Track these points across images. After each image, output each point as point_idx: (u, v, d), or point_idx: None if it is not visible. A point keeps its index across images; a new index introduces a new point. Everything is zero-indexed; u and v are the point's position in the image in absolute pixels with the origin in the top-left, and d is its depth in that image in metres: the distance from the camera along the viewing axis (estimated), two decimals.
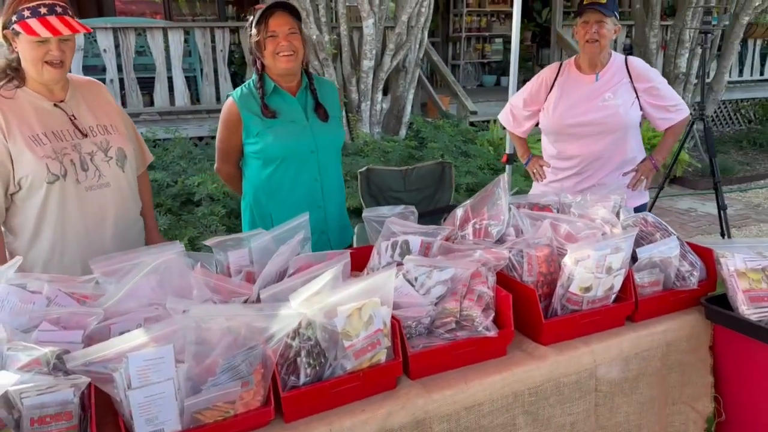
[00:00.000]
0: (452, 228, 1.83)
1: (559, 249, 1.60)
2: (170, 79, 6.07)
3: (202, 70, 6.31)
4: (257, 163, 2.23)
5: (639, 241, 1.66)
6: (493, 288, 1.49)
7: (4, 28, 1.79)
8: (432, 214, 3.39)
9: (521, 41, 11.46)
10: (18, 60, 1.84)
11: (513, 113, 2.82)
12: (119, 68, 5.86)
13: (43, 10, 1.74)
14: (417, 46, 6.01)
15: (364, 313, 1.28)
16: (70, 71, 1.93)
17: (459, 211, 1.91)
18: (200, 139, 6.03)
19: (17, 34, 1.76)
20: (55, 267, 1.79)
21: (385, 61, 5.62)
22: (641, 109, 2.52)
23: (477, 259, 1.53)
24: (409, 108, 6.10)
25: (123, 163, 1.99)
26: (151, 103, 6.15)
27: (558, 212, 1.92)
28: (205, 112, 6.35)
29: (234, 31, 6.72)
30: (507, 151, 3.55)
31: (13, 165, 1.76)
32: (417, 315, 1.45)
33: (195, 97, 6.56)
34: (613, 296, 1.59)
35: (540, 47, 11.47)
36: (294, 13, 2.15)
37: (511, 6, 10.96)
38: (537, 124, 2.78)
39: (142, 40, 6.14)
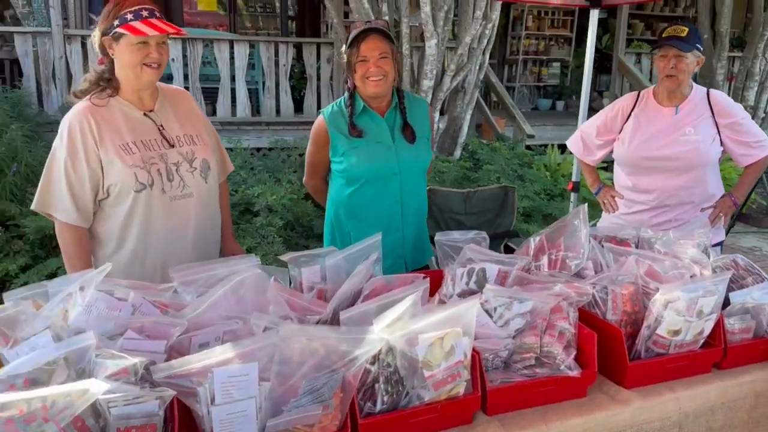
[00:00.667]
0: (528, 258, 1.78)
1: (644, 288, 1.53)
2: (233, 91, 6.21)
3: (264, 83, 6.44)
4: (341, 181, 2.25)
5: (729, 285, 1.58)
6: (575, 324, 1.43)
7: (104, 35, 1.85)
8: (493, 239, 3.32)
9: (578, 66, 11.40)
10: (111, 70, 1.90)
11: (584, 141, 2.75)
12: (185, 77, 6.03)
13: (144, 13, 1.81)
14: (477, 67, 5.99)
15: (446, 343, 1.25)
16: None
17: (533, 241, 1.86)
18: (258, 149, 6.13)
19: (117, 39, 1.81)
20: (136, 273, 1.82)
21: (444, 81, 5.61)
22: (722, 144, 2.43)
23: (557, 293, 1.47)
24: (465, 129, 6.07)
25: (206, 174, 2.01)
26: (214, 113, 6.30)
27: (637, 247, 1.85)
28: (265, 124, 6.46)
29: (296, 46, 6.85)
30: (573, 179, 3.47)
31: (103, 172, 1.81)
32: (494, 348, 1.41)
33: (256, 109, 6.69)
34: (702, 341, 1.51)
35: (599, 73, 11.27)
36: (387, 37, 2.16)
37: (571, 31, 10.96)
38: (610, 153, 2.70)
39: (209, 51, 6.31)
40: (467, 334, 1.29)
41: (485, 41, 5.66)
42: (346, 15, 7.19)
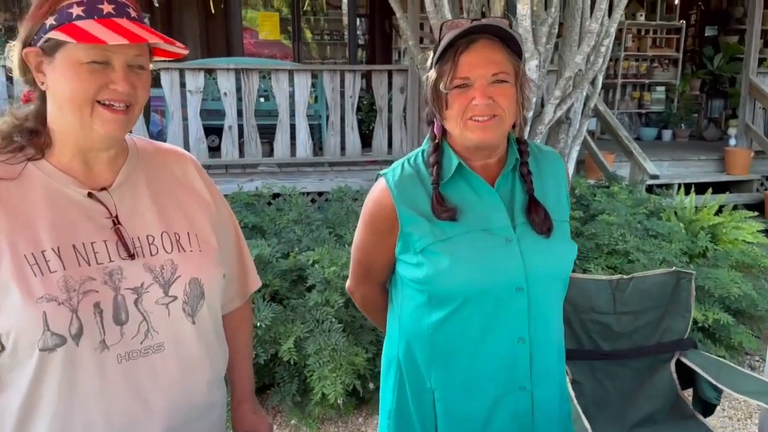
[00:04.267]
0: None
1: None
2: (292, 127, 5.36)
3: (327, 117, 5.56)
4: (418, 299, 1.25)
5: None
6: None
7: (26, 45, 0.98)
8: (656, 351, 2.19)
9: (684, 91, 9.97)
10: (39, 113, 1.01)
11: None
12: (239, 113, 5.24)
13: (105, 8, 0.96)
14: (584, 94, 4.86)
15: None
16: (147, 131, 1.05)
17: None
18: (320, 194, 5.23)
19: (52, 51, 0.95)
20: None
21: (546, 111, 4.51)
22: None
23: None
24: (572, 168, 4.92)
25: (196, 307, 1.08)
26: (271, 153, 5.47)
27: None
28: (328, 164, 5.57)
29: (365, 75, 5.96)
30: None
31: None
32: None
33: (318, 147, 5.81)
34: None
35: (710, 98, 9.82)
36: (510, 44, 1.19)
37: (677, 51, 9.59)
38: None
39: (267, 83, 5.51)
40: None
41: (600, 61, 4.54)
42: (421, 40, 6.27)
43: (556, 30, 4.52)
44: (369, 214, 1.29)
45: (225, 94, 5.18)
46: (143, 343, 1.01)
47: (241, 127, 5.27)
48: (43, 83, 0.98)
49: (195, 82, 5.07)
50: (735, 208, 6.10)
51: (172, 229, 1.09)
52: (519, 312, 1.22)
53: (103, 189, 1.04)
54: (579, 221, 4.38)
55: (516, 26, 4.26)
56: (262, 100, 5.63)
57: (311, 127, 5.58)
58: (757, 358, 3.78)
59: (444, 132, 1.27)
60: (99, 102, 0.97)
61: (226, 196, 5.10)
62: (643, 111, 9.67)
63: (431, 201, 1.22)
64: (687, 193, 5.18)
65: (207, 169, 4.66)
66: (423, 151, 1.30)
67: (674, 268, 2.20)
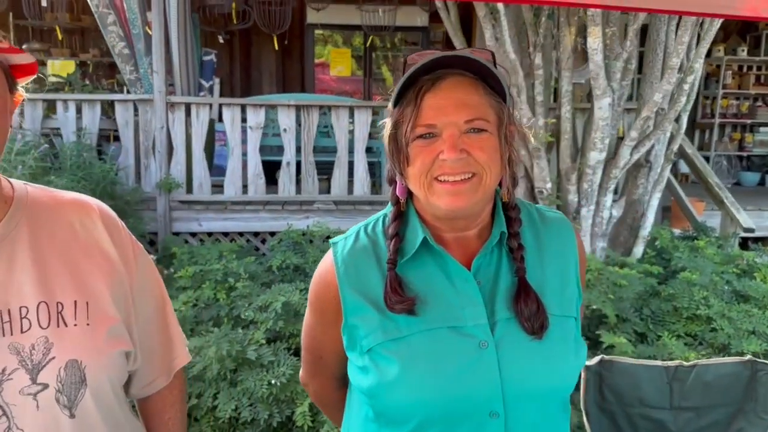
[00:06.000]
0: None
1: None
2: (351, 164, 5.22)
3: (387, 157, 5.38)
4: (366, 411, 0.99)
5: None
6: None
7: None
8: None
9: None
10: None
11: None
12: (298, 150, 5.17)
13: None
14: (667, 135, 4.39)
15: None
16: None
17: None
18: None
19: None
20: None
21: (622, 153, 4.09)
22: None
23: None
24: (651, 218, 4.42)
25: (74, 397, 0.88)
26: (328, 190, 5.34)
27: None
28: (387, 203, 5.36)
29: None
30: None
31: None
32: None
33: (378, 184, 5.64)
34: None
35: None
36: (490, 79, 0.93)
37: None
38: None
39: (327, 119, 5.42)
40: None
41: (683, 99, 4.07)
42: None
43: (634, 65, 4.12)
44: (313, 293, 1.04)
45: (285, 130, 5.13)
46: None
47: (299, 164, 5.19)
48: None
49: (255, 118, 5.06)
50: None
51: (54, 299, 0.90)
52: None
53: None
54: (657, 278, 3.88)
55: (587, 63, 3.92)
56: (321, 136, 5.54)
57: (371, 164, 5.42)
58: None
59: (410, 195, 1.01)
60: None
61: (275, 233, 4.97)
62: (745, 153, 8.81)
63: (386, 287, 0.95)
64: None
65: (264, 206, 4.51)
66: (384, 216, 1.05)
67: (749, 357, 1.77)
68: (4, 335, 0.85)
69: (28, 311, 0.88)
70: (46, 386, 0.85)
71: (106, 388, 0.93)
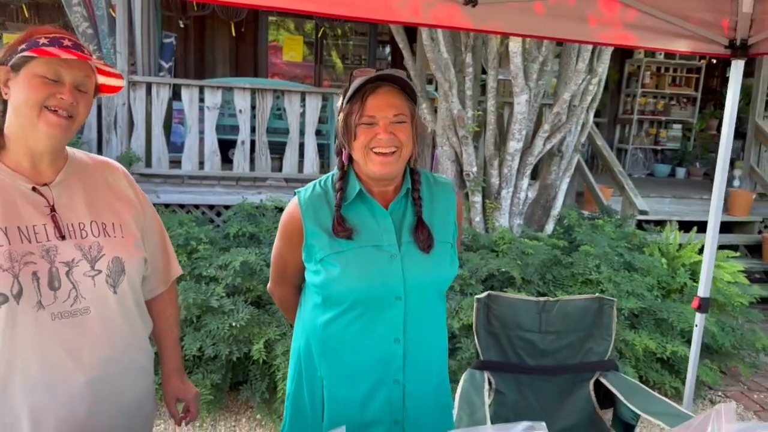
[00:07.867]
0: None
1: None
2: (301, 146, 5.69)
3: (335, 136, 5.88)
4: (315, 299, 1.51)
5: None
6: None
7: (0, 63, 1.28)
8: (577, 370, 2.39)
9: (703, 129, 10.01)
10: None
11: None
12: (252, 130, 5.60)
13: (66, 42, 1.27)
14: (578, 128, 5.07)
15: None
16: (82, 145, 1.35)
17: None
18: None
19: (18, 67, 1.25)
20: None
21: (536, 143, 4.74)
22: None
23: None
24: (561, 199, 5.11)
25: (117, 279, 1.35)
26: (280, 169, 5.80)
27: None
28: None
29: None
30: (700, 293, 2.45)
31: None
32: None
33: (326, 165, 6.13)
34: None
35: None
36: (407, 91, 1.44)
37: (695, 90, 9.66)
38: None
39: (280, 102, 5.86)
40: None
41: (589, 98, 4.75)
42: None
43: (549, 67, 4.76)
44: (283, 224, 1.55)
45: (240, 111, 5.54)
46: (73, 306, 1.28)
47: (253, 143, 5.61)
48: (6, 94, 1.27)
49: (213, 99, 5.45)
50: (735, 248, 6.18)
51: (100, 219, 1.37)
52: (396, 317, 1.45)
53: (45, 185, 1.32)
54: (561, 250, 4.56)
55: (509, 62, 4.52)
56: (273, 118, 5.98)
57: (320, 146, 5.89)
58: (719, 393, 3.88)
59: (351, 160, 1.53)
60: (47, 107, 1.25)
61: (229, 207, 5.37)
62: (659, 147, 9.75)
63: (333, 220, 1.47)
64: (687, 231, 5.30)
65: (219, 181, 5.01)
66: (332, 176, 1.57)
67: (597, 294, 2.40)
68: (73, 238, 1.32)
69: (84, 225, 1.35)
70: (99, 272, 1.33)
71: (135, 279, 1.42)
